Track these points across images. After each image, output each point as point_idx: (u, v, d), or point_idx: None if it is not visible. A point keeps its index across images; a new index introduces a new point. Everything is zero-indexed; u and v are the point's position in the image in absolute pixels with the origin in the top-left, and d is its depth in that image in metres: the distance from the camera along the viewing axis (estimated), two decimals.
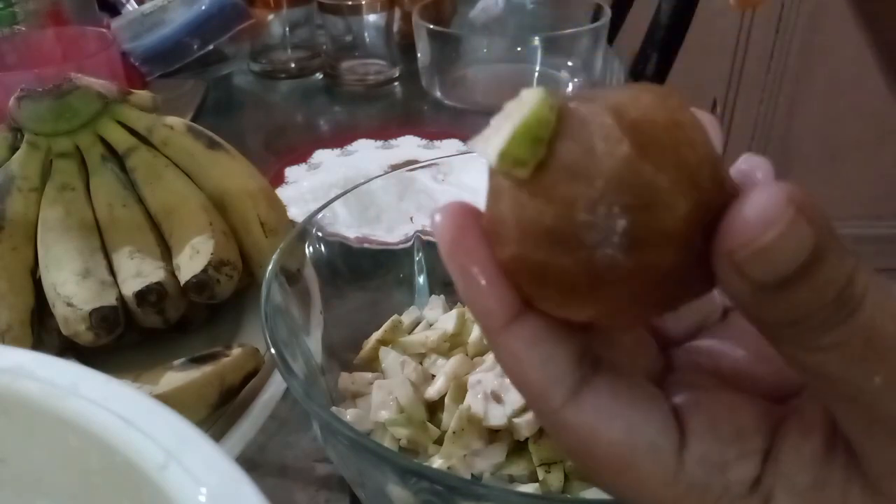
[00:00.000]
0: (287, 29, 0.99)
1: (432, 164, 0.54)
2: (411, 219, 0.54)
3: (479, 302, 0.20)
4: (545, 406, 0.20)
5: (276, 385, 0.40)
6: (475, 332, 0.43)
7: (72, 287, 0.41)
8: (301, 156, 0.76)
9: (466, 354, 0.42)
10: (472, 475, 0.38)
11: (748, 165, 0.21)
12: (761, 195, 0.16)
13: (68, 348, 0.43)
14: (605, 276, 0.18)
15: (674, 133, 0.18)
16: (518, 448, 0.38)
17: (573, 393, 0.20)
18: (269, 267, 0.40)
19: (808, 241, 0.16)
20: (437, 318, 0.47)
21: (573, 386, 0.20)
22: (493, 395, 0.38)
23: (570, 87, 0.92)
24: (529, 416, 0.37)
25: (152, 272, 0.43)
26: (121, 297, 0.42)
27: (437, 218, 0.21)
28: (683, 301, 0.19)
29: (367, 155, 0.77)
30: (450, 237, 0.20)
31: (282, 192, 0.67)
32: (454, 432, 0.37)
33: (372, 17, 0.94)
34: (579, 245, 0.18)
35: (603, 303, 0.19)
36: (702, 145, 0.18)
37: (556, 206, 0.18)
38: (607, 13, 0.89)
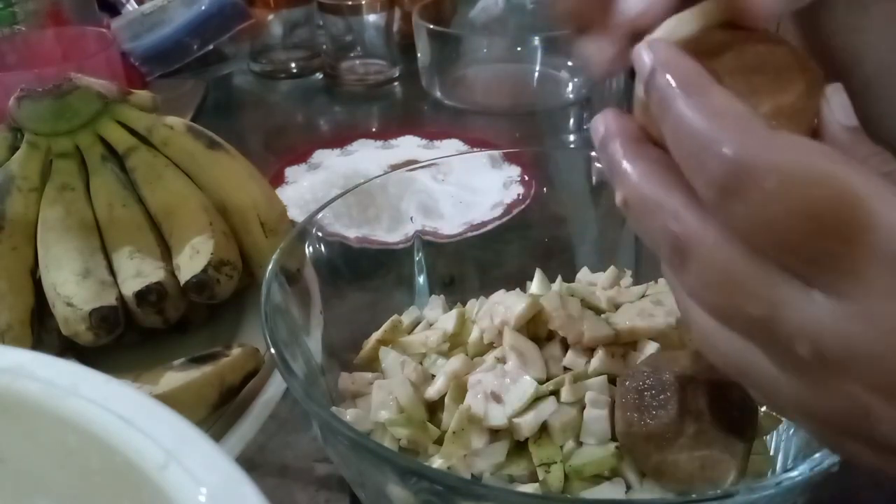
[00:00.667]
0: (287, 29, 0.99)
1: (432, 164, 0.54)
2: (411, 219, 0.54)
3: (685, 65, 0.22)
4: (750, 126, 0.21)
5: (276, 385, 0.40)
6: (475, 332, 0.43)
7: (72, 287, 0.41)
8: (301, 156, 0.76)
9: (466, 354, 0.42)
10: (472, 475, 0.38)
11: None
12: None
13: (68, 348, 0.43)
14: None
15: None
16: (518, 448, 0.38)
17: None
18: (269, 267, 0.40)
19: None
20: (437, 318, 0.47)
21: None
22: (493, 395, 0.38)
23: (569, 87, 0.92)
24: (529, 416, 0.37)
25: (152, 272, 0.43)
26: (121, 297, 0.42)
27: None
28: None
29: (367, 155, 0.77)
30: (647, 46, 0.24)
31: (282, 192, 0.67)
32: (454, 432, 0.37)
33: (372, 17, 0.94)
34: None
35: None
36: None
37: None
38: None
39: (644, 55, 0.23)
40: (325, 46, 0.97)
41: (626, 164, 0.24)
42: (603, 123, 0.25)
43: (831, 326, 0.20)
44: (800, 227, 0.20)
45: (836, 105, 0.24)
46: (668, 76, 0.22)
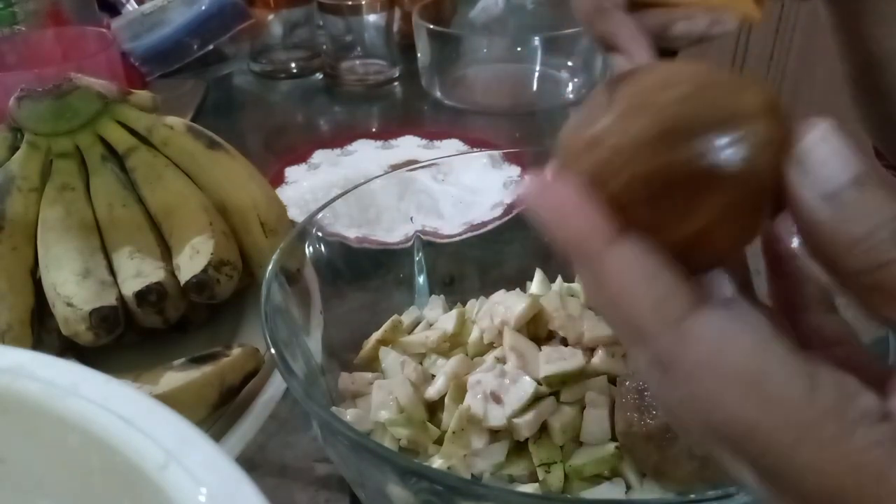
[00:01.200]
0: (287, 29, 0.99)
1: (432, 164, 0.54)
2: (411, 219, 0.54)
3: (576, 225, 0.20)
4: (666, 315, 0.19)
5: (276, 385, 0.40)
6: (475, 332, 0.43)
7: (72, 287, 0.41)
8: (301, 156, 0.76)
9: (466, 354, 0.42)
10: (472, 475, 0.38)
11: None
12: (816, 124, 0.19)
13: (68, 348, 0.43)
14: (717, 177, 0.20)
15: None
16: (518, 448, 0.38)
17: (693, 305, 0.19)
18: (269, 267, 0.40)
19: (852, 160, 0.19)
20: (437, 318, 0.47)
21: (692, 299, 0.19)
22: (492, 395, 0.38)
23: (569, 87, 0.92)
24: (529, 416, 0.37)
25: (152, 272, 0.43)
26: (121, 297, 0.42)
27: (526, 189, 0.21)
28: (756, 233, 0.22)
29: (367, 155, 0.77)
30: (538, 187, 0.21)
31: (282, 192, 0.67)
32: (454, 432, 0.37)
33: (372, 17, 0.94)
34: (694, 146, 0.19)
35: (709, 210, 0.20)
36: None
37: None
38: None
39: (537, 204, 0.21)
40: (325, 46, 0.97)
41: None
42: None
43: None
44: (701, 436, 0.20)
45: (816, 164, 0.19)
46: (566, 240, 0.21)
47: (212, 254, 0.43)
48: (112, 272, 0.44)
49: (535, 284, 0.47)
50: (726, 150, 0.19)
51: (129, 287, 0.42)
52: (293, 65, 0.99)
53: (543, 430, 0.38)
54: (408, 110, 0.94)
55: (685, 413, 0.20)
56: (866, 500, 0.18)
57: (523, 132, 0.85)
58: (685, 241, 0.20)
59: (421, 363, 0.43)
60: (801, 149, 0.20)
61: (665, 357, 0.19)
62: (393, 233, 0.56)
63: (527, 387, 0.38)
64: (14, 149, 0.47)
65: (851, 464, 0.18)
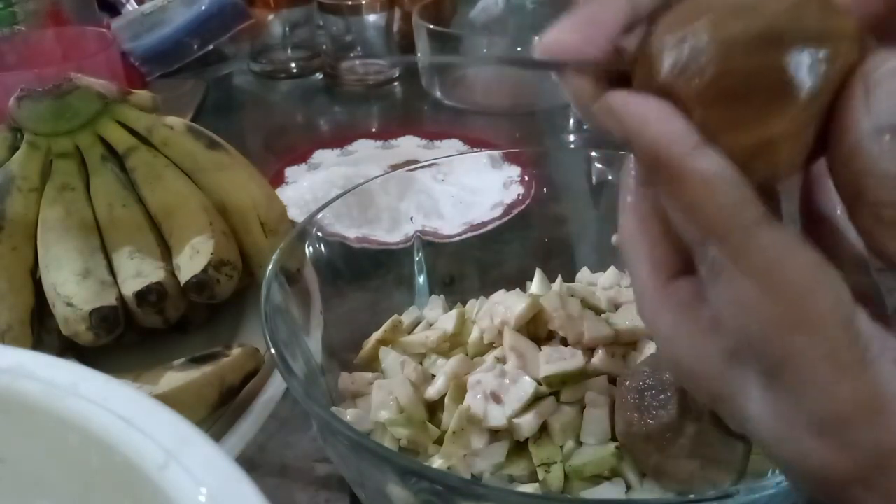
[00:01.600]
0: (287, 29, 0.99)
1: (432, 164, 0.54)
2: (411, 219, 0.54)
3: (666, 129, 0.21)
4: (739, 220, 0.20)
5: (276, 385, 0.40)
6: (475, 332, 0.43)
7: (72, 287, 0.41)
8: (301, 156, 0.76)
9: (466, 354, 0.42)
10: (472, 475, 0.38)
11: None
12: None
13: (68, 348, 0.43)
14: (797, 88, 0.20)
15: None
16: (518, 448, 0.38)
17: (765, 215, 0.20)
18: (269, 267, 0.40)
19: None
20: (437, 318, 0.47)
21: (763, 211, 0.20)
22: (492, 395, 0.38)
23: None
24: (529, 416, 0.37)
25: (152, 272, 0.43)
26: (121, 297, 0.42)
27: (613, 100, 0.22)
28: (816, 156, 0.22)
29: (367, 155, 0.77)
30: (622, 97, 0.22)
31: (282, 192, 0.67)
32: (454, 432, 0.37)
33: (372, 17, 0.94)
34: (786, 54, 0.20)
35: (782, 121, 0.21)
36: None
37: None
38: None
39: (608, 118, 0.22)
40: (325, 46, 0.97)
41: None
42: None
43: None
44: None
45: (882, 95, 0.19)
46: (649, 145, 0.21)
47: (212, 254, 0.43)
48: (112, 272, 0.44)
49: (535, 284, 0.47)
50: (815, 64, 0.20)
51: (129, 287, 0.42)
52: (293, 65, 0.99)
53: (543, 430, 0.38)
54: (408, 110, 0.94)
55: (728, 313, 0.21)
56: (871, 427, 0.19)
57: (523, 132, 0.85)
58: (752, 149, 0.21)
59: (421, 363, 0.43)
60: (873, 77, 0.20)
61: (731, 255, 0.20)
62: (393, 233, 0.56)
63: (527, 387, 0.38)
64: (14, 149, 0.47)
65: (868, 392, 0.19)
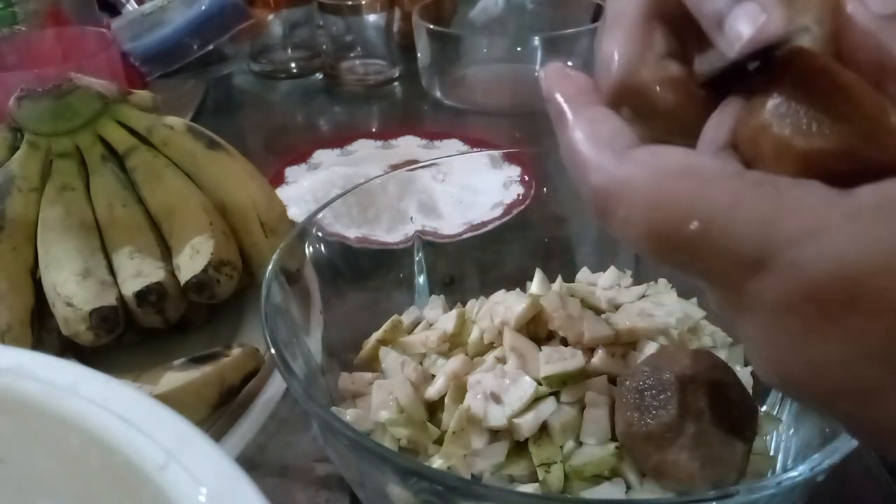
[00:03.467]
0: (287, 29, 0.99)
1: (432, 164, 0.54)
2: (411, 219, 0.54)
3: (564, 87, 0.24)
4: (614, 147, 0.22)
5: (276, 385, 0.40)
6: (475, 332, 0.43)
7: (72, 287, 0.41)
8: (301, 156, 0.76)
9: (466, 354, 0.42)
10: (472, 475, 0.38)
11: None
12: None
13: (68, 348, 0.43)
14: None
15: None
16: (518, 448, 0.38)
17: (638, 142, 0.22)
18: (269, 267, 0.40)
19: None
20: (437, 318, 0.47)
21: (636, 139, 0.22)
22: (492, 395, 0.38)
23: None
24: (529, 416, 0.37)
25: (152, 272, 0.43)
26: (121, 297, 0.42)
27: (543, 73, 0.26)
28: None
29: (367, 155, 0.77)
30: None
31: (282, 192, 0.67)
32: (454, 432, 0.37)
33: (372, 17, 0.94)
34: None
35: None
36: None
37: None
38: None
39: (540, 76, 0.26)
40: (325, 46, 0.97)
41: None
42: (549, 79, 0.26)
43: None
44: (654, 246, 0.21)
45: None
46: (557, 96, 0.25)
47: (212, 254, 0.43)
48: (112, 272, 0.44)
49: (535, 284, 0.47)
50: None
51: (129, 287, 0.42)
52: (293, 65, 0.99)
53: (543, 430, 0.38)
54: (408, 110, 0.94)
55: (631, 231, 0.21)
56: (798, 245, 0.19)
57: (523, 132, 0.85)
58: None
59: (421, 363, 0.43)
60: None
61: (612, 181, 0.22)
62: (393, 233, 0.56)
63: (527, 387, 0.38)
64: (14, 149, 0.47)
65: (789, 212, 0.19)
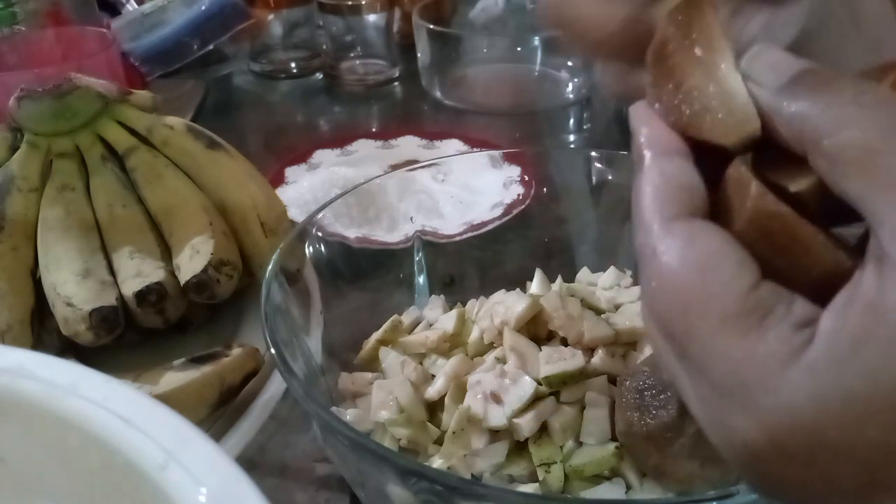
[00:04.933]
0: (287, 29, 0.99)
1: (432, 164, 0.54)
2: (411, 219, 0.54)
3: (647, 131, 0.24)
4: (664, 213, 0.22)
5: (276, 385, 0.40)
6: (475, 332, 0.43)
7: (72, 287, 0.41)
8: (301, 156, 0.76)
9: (466, 354, 0.42)
10: (472, 475, 0.38)
11: None
12: None
13: (68, 348, 0.43)
14: None
15: None
16: (518, 448, 0.38)
17: (687, 214, 0.22)
18: (269, 267, 0.40)
19: None
20: (437, 318, 0.47)
21: (690, 209, 0.23)
22: (492, 395, 0.38)
23: (569, 87, 0.92)
24: (529, 416, 0.37)
25: (152, 272, 0.43)
26: (121, 297, 0.42)
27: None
28: None
29: (367, 155, 0.77)
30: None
31: (282, 192, 0.67)
32: (454, 432, 0.37)
33: (372, 17, 0.94)
34: None
35: None
36: None
37: None
38: None
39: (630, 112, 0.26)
40: (325, 46, 0.97)
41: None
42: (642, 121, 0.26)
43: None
44: (652, 325, 0.23)
45: (763, 68, 0.22)
46: (641, 138, 0.24)
47: (212, 254, 0.43)
48: (112, 272, 0.44)
49: (535, 284, 0.47)
50: None
51: (129, 287, 0.42)
52: (293, 65, 0.99)
53: (543, 430, 0.38)
54: (408, 110, 0.94)
55: (644, 298, 0.23)
56: (762, 395, 0.20)
57: (523, 132, 0.85)
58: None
59: (421, 363, 0.43)
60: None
61: (652, 243, 0.22)
62: (393, 233, 0.56)
63: (527, 387, 0.38)
64: (14, 149, 0.47)
65: (758, 360, 0.20)
